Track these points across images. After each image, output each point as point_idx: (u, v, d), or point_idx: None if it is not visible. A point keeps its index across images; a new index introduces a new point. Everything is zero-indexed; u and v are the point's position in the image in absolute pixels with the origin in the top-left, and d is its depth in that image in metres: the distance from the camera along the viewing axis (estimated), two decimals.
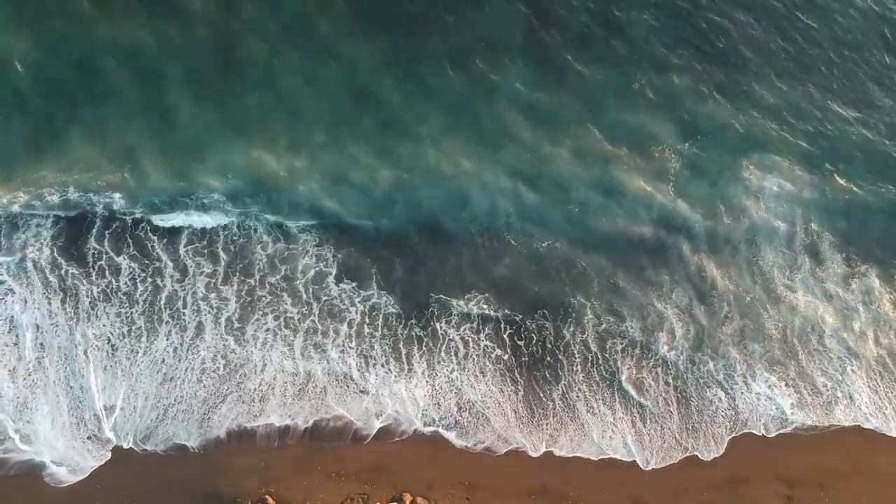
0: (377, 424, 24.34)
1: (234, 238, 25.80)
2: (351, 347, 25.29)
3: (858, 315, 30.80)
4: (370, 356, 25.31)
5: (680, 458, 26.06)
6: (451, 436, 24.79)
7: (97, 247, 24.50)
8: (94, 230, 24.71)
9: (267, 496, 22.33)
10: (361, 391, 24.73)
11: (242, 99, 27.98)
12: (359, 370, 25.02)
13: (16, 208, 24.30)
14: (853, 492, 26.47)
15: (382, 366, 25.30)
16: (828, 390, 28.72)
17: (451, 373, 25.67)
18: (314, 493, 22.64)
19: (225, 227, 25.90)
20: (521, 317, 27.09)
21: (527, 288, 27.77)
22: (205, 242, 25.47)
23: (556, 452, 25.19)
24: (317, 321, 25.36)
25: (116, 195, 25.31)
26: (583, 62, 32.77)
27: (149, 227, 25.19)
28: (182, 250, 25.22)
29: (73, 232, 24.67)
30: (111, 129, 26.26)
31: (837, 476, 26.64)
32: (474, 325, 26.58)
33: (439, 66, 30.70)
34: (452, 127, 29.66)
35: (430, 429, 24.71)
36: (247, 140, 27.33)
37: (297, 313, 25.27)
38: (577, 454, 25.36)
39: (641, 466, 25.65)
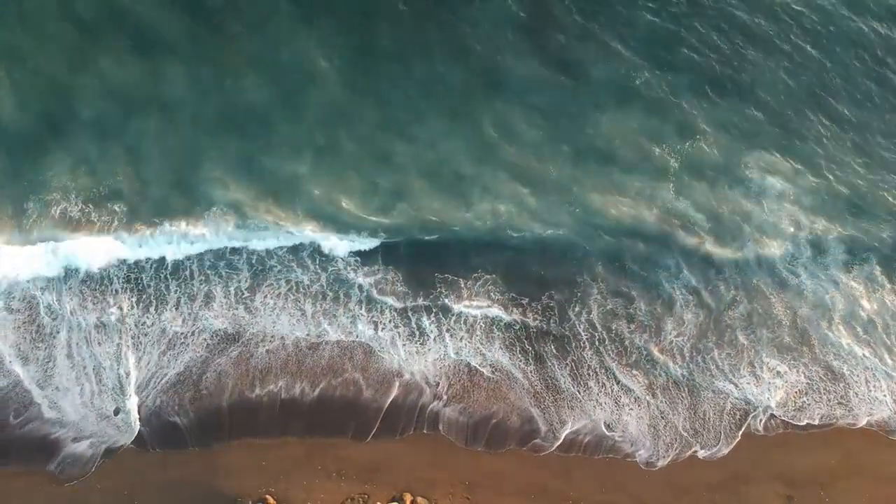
0: (395, 385, 24.70)
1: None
2: (361, 314, 25.61)
3: (864, 302, 31.12)
4: (380, 322, 25.69)
5: (687, 455, 26.16)
6: (456, 412, 24.89)
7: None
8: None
9: (267, 496, 22.35)
10: (372, 353, 25.11)
11: (240, 102, 27.76)
12: (369, 333, 25.42)
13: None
14: (853, 492, 26.52)
15: (391, 330, 25.70)
16: (843, 377, 28.92)
17: (461, 341, 26.10)
18: (315, 493, 22.66)
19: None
20: (527, 300, 27.37)
21: (532, 271, 28.03)
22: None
23: (567, 435, 25.42)
24: (325, 287, 25.77)
25: (117, 206, 25.21)
26: (581, 62, 32.69)
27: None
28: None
29: None
30: (109, 140, 26.03)
31: (837, 476, 26.69)
32: (482, 301, 26.91)
33: (437, 69, 30.63)
34: (451, 129, 29.57)
35: (439, 403, 24.86)
36: (245, 145, 27.17)
37: (307, 280, 25.75)
38: (582, 436, 25.64)
39: (642, 466, 25.70)
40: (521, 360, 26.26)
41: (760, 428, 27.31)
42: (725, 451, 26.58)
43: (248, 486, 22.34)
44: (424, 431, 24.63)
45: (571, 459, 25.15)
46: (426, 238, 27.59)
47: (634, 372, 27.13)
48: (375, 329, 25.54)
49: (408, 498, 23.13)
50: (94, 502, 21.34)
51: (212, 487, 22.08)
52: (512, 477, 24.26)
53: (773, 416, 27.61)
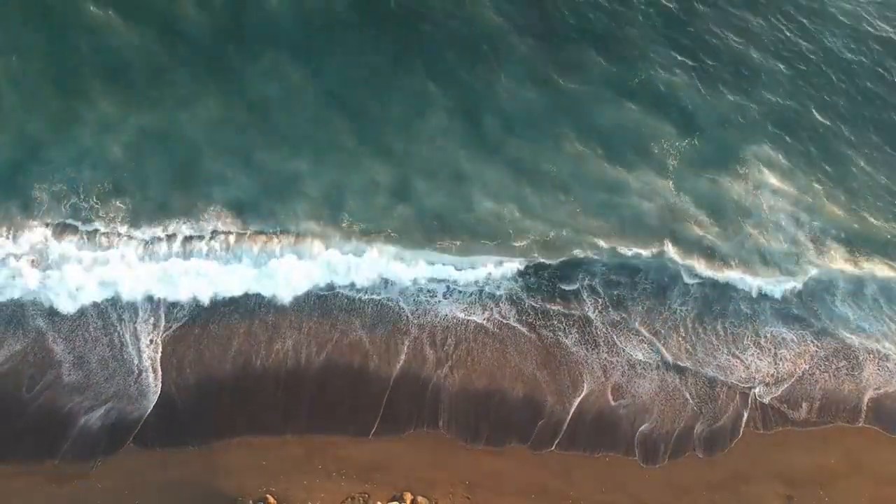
0: (403, 350, 25.15)
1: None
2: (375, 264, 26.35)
3: (868, 283, 31.88)
4: (388, 279, 26.20)
5: (686, 454, 26.37)
6: (457, 383, 25.15)
7: None
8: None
9: (268, 495, 22.33)
10: (382, 305, 25.72)
11: (239, 101, 27.74)
12: (377, 288, 26.04)
13: None
14: (853, 491, 26.59)
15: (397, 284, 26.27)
16: (852, 350, 29.68)
17: (469, 297, 26.78)
18: (315, 492, 22.65)
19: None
20: (533, 271, 27.80)
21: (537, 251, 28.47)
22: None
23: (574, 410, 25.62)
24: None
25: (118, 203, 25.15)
26: (581, 59, 32.75)
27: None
28: None
29: None
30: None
31: (837, 475, 26.76)
32: (488, 271, 27.46)
33: (436, 65, 30.54)
34: (450, 127, 29.52)
35: (442, 372, 25.11)
36: (245, 144, 27.09)
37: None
38: (588, 406, 25.94)
39: (642, 464, 25.74)
40: (528, 316, 26.85)
41: (758, 411, 27.53)
42: (729, 427, 26.91)
43: (249, 486, 22.33)
44: (425, 429, 24.55)
45: (571, 459, 25.13)
46: (426, 224, 27.70)
47: (639, 338, 27.63)
48: (385, 285, 26.11)
49: (408, 497, 23.14)
50: (94, 502, 21.30)
51: (212, 487, 22.07)
52: (512, 477, 24.26)
53: (772, 405, 27.80)
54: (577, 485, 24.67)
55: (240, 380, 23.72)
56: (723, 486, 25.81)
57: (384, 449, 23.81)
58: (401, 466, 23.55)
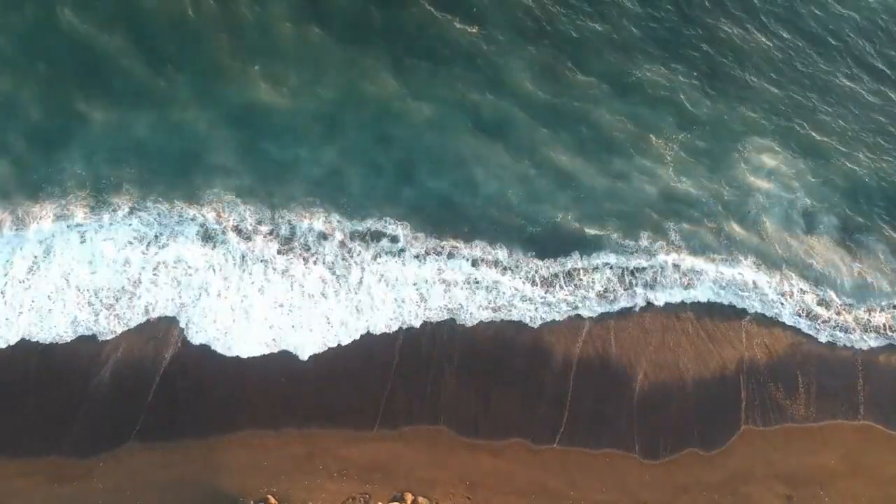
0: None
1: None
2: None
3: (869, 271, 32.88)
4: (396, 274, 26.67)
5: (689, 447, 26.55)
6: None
7: None
8: None
9: (269, 495, 22.37)
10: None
11: (242, 70, 27.54)
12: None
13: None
14: (853, 491, 26.68)
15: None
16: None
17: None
18: (316, 493, 22.69)
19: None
20: (537, 259, 28.23)
21: (538, 240, 28.71)
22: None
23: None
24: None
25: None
26: (581, 55, 32.56)
27: None
28: None
29: None
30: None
31: (837, 475, 26.82)
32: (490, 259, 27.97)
33: (436, 58, 30.21)
34: (450, 120, 29.30)
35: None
36: (244, 127, 26.96)
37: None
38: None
39: (641, 460, 25.77)
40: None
41: (757, 401, 27.69)
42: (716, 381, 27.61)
43: (250, 486, 22.35)
44: (425, 426, 24.50)
45: (572, 458, 25.12)
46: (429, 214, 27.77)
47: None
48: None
49: (409, 497, 23.17)
50: (94, 502, 21.33)
51: (213, 487, 22.08)
52: (512, 476, 24.29)
53: (772, 399, 28.02)
54: (577, 484, 24.71)
55: None
56: (722, 486, 25.86)
57: (385, 449, 23.79)
58: (401, 467, 23.55)
